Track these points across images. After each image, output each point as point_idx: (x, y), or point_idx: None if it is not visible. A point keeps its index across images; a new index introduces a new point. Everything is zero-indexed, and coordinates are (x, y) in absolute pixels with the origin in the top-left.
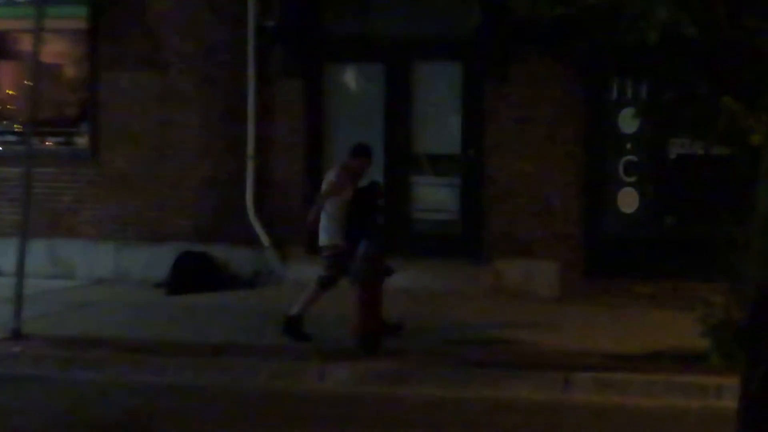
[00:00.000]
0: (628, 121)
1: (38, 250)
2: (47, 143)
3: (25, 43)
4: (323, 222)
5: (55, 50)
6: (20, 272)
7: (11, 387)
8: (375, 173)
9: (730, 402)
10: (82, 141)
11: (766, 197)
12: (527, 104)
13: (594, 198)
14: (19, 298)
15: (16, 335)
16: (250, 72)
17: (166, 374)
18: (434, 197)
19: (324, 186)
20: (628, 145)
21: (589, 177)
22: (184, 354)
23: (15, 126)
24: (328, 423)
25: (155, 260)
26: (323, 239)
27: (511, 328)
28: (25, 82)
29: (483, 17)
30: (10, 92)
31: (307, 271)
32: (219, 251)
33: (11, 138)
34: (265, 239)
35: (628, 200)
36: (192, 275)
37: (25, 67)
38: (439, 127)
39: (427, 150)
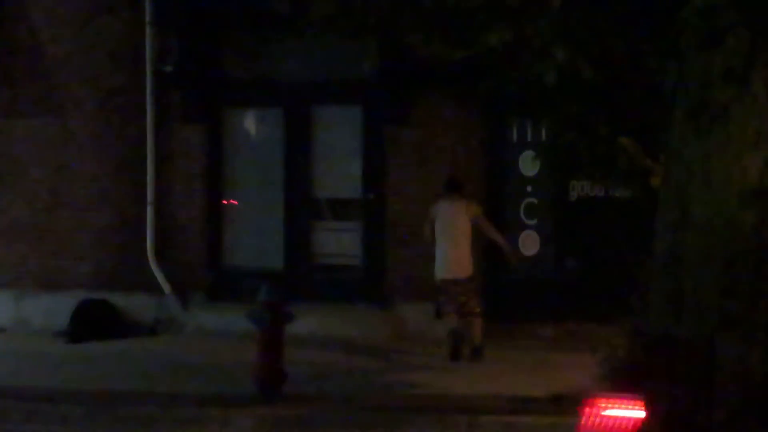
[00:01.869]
0: (528, 164)
1: None
2: None
3: None
4: (469, 252)
5: None
6: None
7: None
8: (275, 218)
9: None
10: None
11: (665, 238)
12: (428, 147)
13: (495, 240)
14: None
15: None
16: (149, 117)
17: (65, 424)
18: (335, 242)
19: (485, 220)
20: (529, 188)
21: (491, 219)
22: (84, 403)
23: None
24: None
25: (55, 308)
26: (471, 268)
27: (414, 372)
28: None
29: (381, 60)
30: None
31: (209, 318)
32: (120, 299)
33: None
34: (166, 286)
35: (528, 243)
36: (93, 323)
37: None
38: (339, 171)
39: (328, 194)
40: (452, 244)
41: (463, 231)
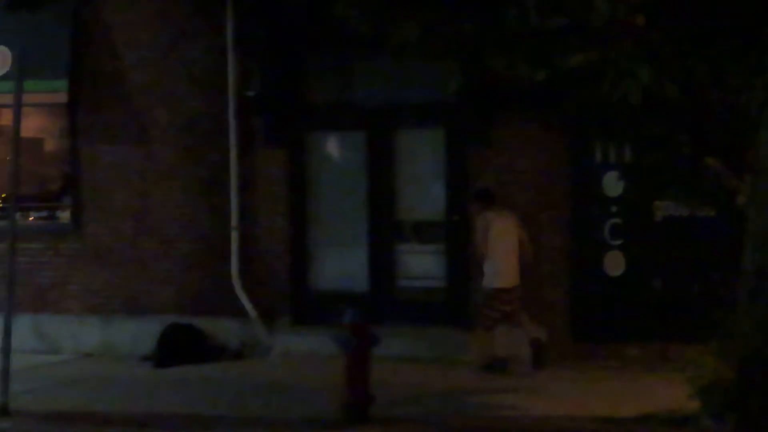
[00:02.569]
0: (612, 184)
1: (23, 325)
2: (30, 218)
3: (5, 118)
4: (518, 261)
5: (36, 124)
6: (6, 348)
7: None
8: (360, 242)
9: None
10: (64, 215)
11: (752, 257)
12: (511, 168)
13: (580, 261)
14: (5, 374)
15: (4, 411)
16: (232, 142)
17: None
18: (419, 264)
19: (524, 234)
20: (614, 208)
21: (575, 240)
22: (173, 428)
23: None
24: None
25: (141, 333)
26: (517, 278)
27: (499, 395)
28: (6, 157)
29: (464, 82)
30: None
31: (294, 342)
32: (205, 323)
33: None
34: (251, 310)
35: (614, 263)
36: (179, 347)
37: (6, 141)
38: (423, 194)
39: (412, 217)
40: (510, 254)
41: (515, 240)
